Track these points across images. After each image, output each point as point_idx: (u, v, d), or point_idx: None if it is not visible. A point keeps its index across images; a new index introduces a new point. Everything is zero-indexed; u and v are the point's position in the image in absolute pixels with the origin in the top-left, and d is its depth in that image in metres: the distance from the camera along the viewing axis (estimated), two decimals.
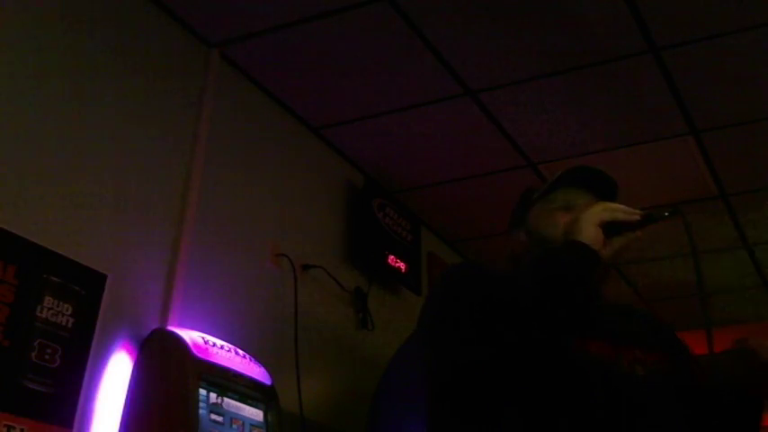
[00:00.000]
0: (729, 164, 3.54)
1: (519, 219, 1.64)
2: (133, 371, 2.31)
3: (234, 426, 2.33)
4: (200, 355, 2.30)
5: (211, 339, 2.40)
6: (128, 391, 2.27)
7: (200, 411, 2.23)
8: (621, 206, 1.43)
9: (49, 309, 2.08)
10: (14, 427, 1.92)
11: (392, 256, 3.64)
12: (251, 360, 2.49)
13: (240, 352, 2.47)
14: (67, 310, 2.12)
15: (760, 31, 2.75)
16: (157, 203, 2.57)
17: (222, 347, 2.41)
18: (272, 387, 2.52)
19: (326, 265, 3.26)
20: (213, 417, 2.27)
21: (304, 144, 3.39)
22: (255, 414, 2.43)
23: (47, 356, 2.04)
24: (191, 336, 2.35)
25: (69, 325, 2.12)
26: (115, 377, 2.26)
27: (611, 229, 1.40)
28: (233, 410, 2.35)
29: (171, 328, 2.42)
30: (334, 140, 3.50)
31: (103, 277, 2.26)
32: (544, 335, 1.34)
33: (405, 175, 3.75)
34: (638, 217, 1.41)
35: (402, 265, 3.69)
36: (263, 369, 2.52)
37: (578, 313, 1.36)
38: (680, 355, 1.55)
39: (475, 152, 3.54)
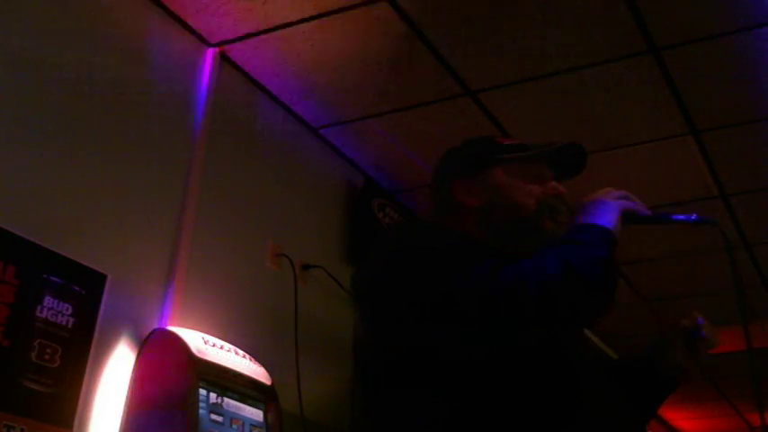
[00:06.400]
0: (729, 164, 3.54)
1: (473, 168, 1.55)
2: (133, 371, 2.31)
3: (234, 426, 2.33)
4: (200, 355, 2.30)
5: (211, 339, 2.40)
6: (128, 391, 2.27)
7: (201, 411, 2.23)
8: (636, 197, 1.41)
9: (49, 309, 2.08)
10: (14, 427, 1.92)
11: None
12: (251, 360, 2.49)
13: (240, 352, 2.47)
14: (67, 310, 2.12)
15: (760, 31, 2.75)
16: (157, 203, 2.57)
17: (222, 347, 2.41)
18: (271, 387, 2.52)
19: (326, 265, 3.26)
20: (213, 417, 2.27)
21: (304, 144, 3.39)
22: (255, 414, 2.43)
23: (47, 356, 2.04)
24: (191, 336, 2.35)
25: (69, 325, 2.12)
26: (115, 377, 2.26)
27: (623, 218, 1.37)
28: (233, 410, 2.35)
29: (171, 328, 2.42)
30: (334, 140, 3.50)
31: (103, 277, 2.26)
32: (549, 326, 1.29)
33: (405, 175, 3.74)
34: (649, 213, 1.40)
35: None
36: (262, 369, 2.52)
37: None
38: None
39: None
